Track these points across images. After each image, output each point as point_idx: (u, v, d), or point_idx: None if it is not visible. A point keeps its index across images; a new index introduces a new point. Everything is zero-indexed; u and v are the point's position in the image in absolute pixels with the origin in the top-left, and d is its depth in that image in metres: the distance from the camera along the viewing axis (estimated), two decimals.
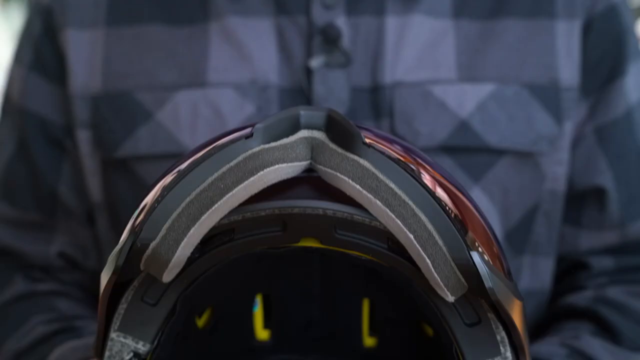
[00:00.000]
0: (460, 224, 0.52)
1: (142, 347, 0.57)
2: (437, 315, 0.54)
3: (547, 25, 0.80)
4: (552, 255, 0.83)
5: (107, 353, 0.56)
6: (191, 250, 0.52)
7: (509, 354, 0.54)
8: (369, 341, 0.66)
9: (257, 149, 0.51)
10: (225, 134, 0.54)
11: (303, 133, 0.51)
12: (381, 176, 0.50)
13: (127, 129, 0.80)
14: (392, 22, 0.78)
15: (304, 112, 0.51)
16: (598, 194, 0.82)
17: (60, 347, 0.75)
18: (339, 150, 0.51)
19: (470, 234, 0.52)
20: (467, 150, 0.78)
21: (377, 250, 0.53)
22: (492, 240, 0.56)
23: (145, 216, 0.52)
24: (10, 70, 0.87)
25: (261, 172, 0.50)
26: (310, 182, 0.52)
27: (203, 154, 0.51)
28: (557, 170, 0.81)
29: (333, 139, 0.51)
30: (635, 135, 0.82)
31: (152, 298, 0.56)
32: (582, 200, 0.82)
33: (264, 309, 0.65)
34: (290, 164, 0.51)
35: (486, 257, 0.52)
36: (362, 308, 0.65)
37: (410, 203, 0.50)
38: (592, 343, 0.76)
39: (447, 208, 0.51)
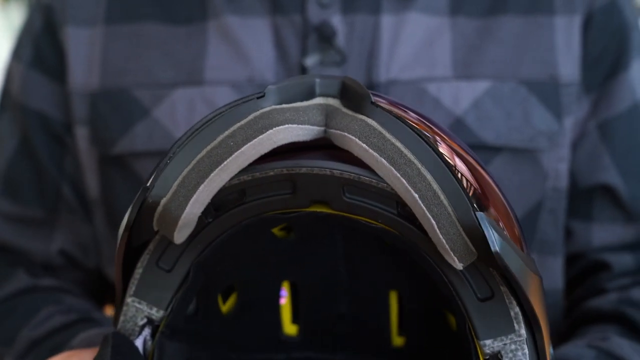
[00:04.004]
0: (477, 197, 0.51)
1: (156, 313, 0.56)
2: (449, 288, 0.53)
3: (546, 22, 0.80)
4: (561, 254, 0.82)
5: (122, 318, 0.56)
6: (201, 208, 0.52)
7: (523, 332, 0.52)
8: (397, 340, 0.64)
9: (267, 108, 0.51)
10: (235, 100, 0.55)
11: (318, 100, 0.52)
12: (387, 135, 0.50)
13: (124, 126, 0.80)
14: (387, 20, 0.79)
15: (319, 80, 0.52)
16: (606, 190, 0.81)
17: (85, 333, 0.75)
18: (349, 112, 0.51)
19: (492, 210, 0.51)
20: None
21: (386, 215, 0.52)
22: (514, 221, 0.54)
23: (157, 173, 0.52)
24: (8, 66, 0.88)
25: (270, 131, 0.51)
26: (322, 148, 0.53)
27: (215, 113, 0.52)
28: (559, 167, 0.80)
29: (346, 104, 0.52)
30: None
31: (167, 264, 0.56)
32: (591, 195, 0.82)
33: (292, 300, 0.64)
34: (301, 126, 0.52)
35: (501, 225, 0.51)
36: (389, 303, 0.63)
37: (416, 162, 0.50)
38: (621, 343, 0.74)
39: (454, 168, 0.50)
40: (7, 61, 0.89)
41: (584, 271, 0.83)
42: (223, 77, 0.79)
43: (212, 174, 0.51)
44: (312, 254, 0.61)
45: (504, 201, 0.54)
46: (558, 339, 0.81)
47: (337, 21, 0.78)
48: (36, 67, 0.84)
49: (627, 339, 0.75)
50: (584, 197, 0.82)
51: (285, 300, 0.64)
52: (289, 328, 0.65)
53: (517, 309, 0.52)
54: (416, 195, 0.50)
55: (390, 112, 0.51)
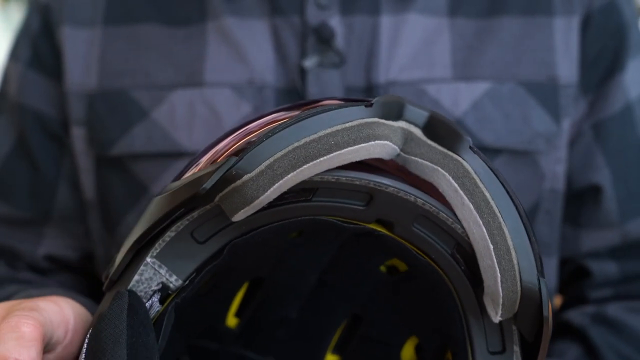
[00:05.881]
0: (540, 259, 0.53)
1: (174, 282, 0.54)
2: (462, 335, 0.54)
3: (545, 23, 0.80)
4: (555, 255, 0.83)
5: (136, 277, 0.53)
6: (278, 195, 0.51)
7: None
8: (330, 358, 0.65)
9: (373, 119, 0.52)
10: (341, 98, 0.54)
11: (402, 124, 0.52)
12: (479, 182, 0.51)
13: (123, 127, 0.80)
14: (386, 21, 0.78)
15: (409, 106, 0.52)
16: (595, 192, 0.81)
17: (18, 294, 0.72)
18: (440, 147, 0.52)
19: None
20: None
21: (440, 252, 0.53)
22: None
23: (248, 146, 0.50)
24: (6, 67, 0.88)
25: (373, 142, 0.51)
26: (394, 172, 0.53)
27: (323, 107, 0.51)
28: (556, 169, 0.80)
29: (430, 137, 0.52)
30: (635, 131, 0.82)
31: (202, 236, 0.54)
32: (580, 199, 0.82)
33: (245, 294, 0.63)
34: (393, 146, 0.52)
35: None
36: (341, 322, 0.64)
37: (499, 216, 0.51)
38: None
39: (531, 232, 0.52)
40: (5, 62, 0.88)
41: (570, 277, 0.84)
42: (223, 78, 0.79)
43: (304, 166, 0.50)
44: (296, 257, 0.61)
45: None
46: None
47: (335, 22, 0.78)
48: (34, 67, 0.84)
49: None
50: (575, 202, 0.82)
51: (239, 293, 0.63)
52: (230, 320, 0.64)
53: None
54: (491, 247, 0.51)
55: (484, 160, 0.52)
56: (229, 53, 0.79)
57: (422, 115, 0.52)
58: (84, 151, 0.82)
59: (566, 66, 0.80)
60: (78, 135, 0.82)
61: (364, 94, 0.78)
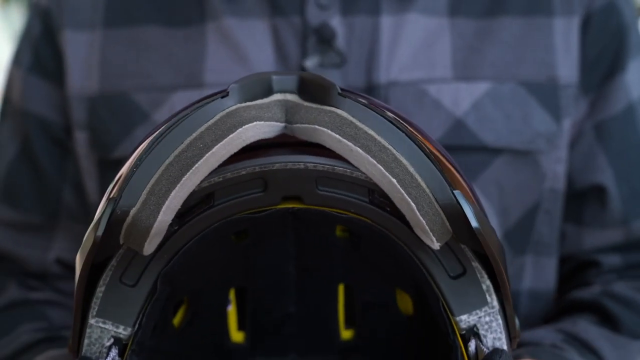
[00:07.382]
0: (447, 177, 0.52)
1: (123, 332, 0.54)
2: (421, 270, 0.54)
3: (545, 23, 0.80)
4: (555, 255, 0.83)
5: (86, 341, 0.54)
6: (172, 215, 0.51)
7: (495, 303, 0.54)
8: (345, 334, 0.65)
9: (234, 107, 0.51)
10: (196, 101, 0.54)
11: (276, 96, 0.52)
12: (359, 124, 0.51)
13: (125, 130, 0.80)
14: (387, 22, 0.78)
15: (275, 77, 0.52)
16: (599, 192, 0.81)
17: (40, 356, 0.73)
18: (314, 105, 0.51)
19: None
20: (462, 149, 0.77)
21: (358, 204, 0.53)
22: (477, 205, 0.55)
23: (123, 183, 0.51)
24: (9, 73, 0.87)
25: (240, 129, 0.50)
26: (288, 145, 0.53)
27: (179, 117, 0.51)
28: (557, 169, 0.80)
29: (307, 98, 0.52)
30: (637, 131, 0.82)
31: (131, 279, 0.54)
32: (583, 199, 0.82)
33: (237, 307, 0.63)
34: (267, 123, 0.51)
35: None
36: (337, 298, 0.64)
37: (391, 148, 0.51)
38: (589, 328, 0.76)
39: (427, 150, 0.51)
40: (7, 66, 0.88)
41: (574, 270, 0.84)
42: (223, 79, 0.79)
43: (183, 179, 0.50)
44: (263, 257, 0.61)
45: (472, 196, 0.55)
46: None
47: (336, 23, 0.78)
48: (36, 72, 0.84)
49: (597, 326, 0.77)
50: (577, 201, 0.82)
51: (231, 307, 0.64)
52: (236, 335, 0.64)
53: (489, 282, 0.54)
54: (394, 180, 0.51)
55: (357, 101, 0.51)
56: (228, 54, 0.79)
57: (292, 80, 0.52)
58: (87, 154, 0.82)
59: (566, 66, 0.80)
60: (80, 139, 0.82)
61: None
